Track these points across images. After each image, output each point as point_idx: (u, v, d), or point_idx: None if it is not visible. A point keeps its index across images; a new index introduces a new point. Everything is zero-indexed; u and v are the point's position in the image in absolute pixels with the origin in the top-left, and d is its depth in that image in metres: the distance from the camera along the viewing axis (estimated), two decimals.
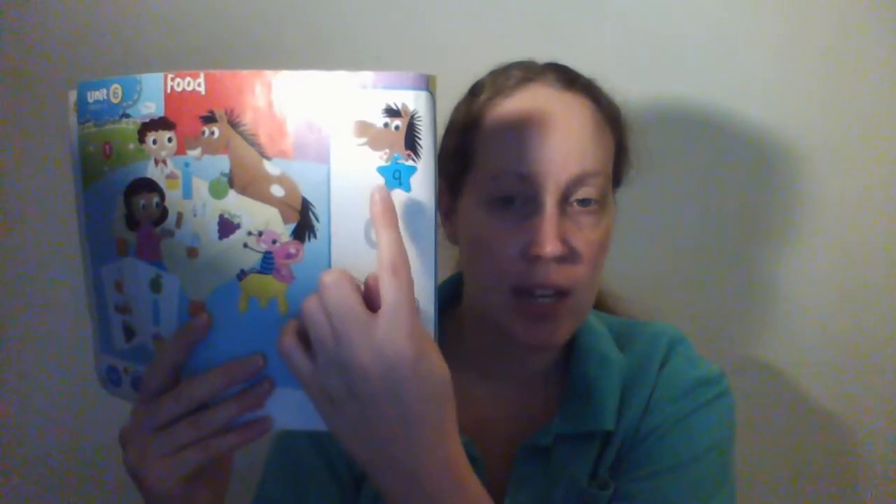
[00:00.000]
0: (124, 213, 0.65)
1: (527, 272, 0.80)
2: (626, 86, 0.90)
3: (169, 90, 0.62)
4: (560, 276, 0.79)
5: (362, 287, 0.60)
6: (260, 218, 0.61)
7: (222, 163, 0.61)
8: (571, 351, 0.91)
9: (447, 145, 0.89)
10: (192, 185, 0.62)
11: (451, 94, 0.89)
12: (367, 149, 0.59)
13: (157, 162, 0.63)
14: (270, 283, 0.62)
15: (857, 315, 1.24)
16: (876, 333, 1.25)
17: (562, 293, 0.80)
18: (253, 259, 0.62)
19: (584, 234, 0.80)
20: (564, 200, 0.80)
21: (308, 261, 0.61)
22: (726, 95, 1.19)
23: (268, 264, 0.62)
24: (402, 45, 1.17)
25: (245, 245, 0.62)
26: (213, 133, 0.61)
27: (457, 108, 0.90)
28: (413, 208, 0.60)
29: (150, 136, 0.63)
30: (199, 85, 0.61)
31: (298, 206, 0.61)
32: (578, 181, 0.79)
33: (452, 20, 1.17)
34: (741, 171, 1.21)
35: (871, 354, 1.25)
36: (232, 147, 0.61)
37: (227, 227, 0.62)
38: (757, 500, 1.27)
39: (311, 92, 0.60)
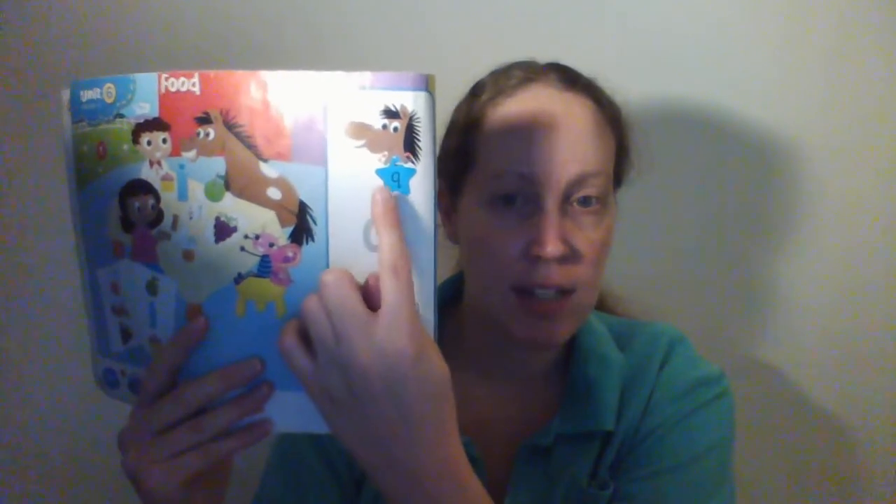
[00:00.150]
0: (119, 215, 0.65)
1: (528, 272, 0.80)
2: (627, 86, 0.90)
3: (163, 90, 0.61)
4: (561, 275, 0.79)
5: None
6: (257, 221, 0.61)
7: (218, 165, 0.61)
8: (571, 351, 0.91)
9: (448, 145, 0.89)
10: (188, 188, 0.62)
11: (451, 95, 0.89)
12: (365, 151, 0.59)
13: (151, 163, 0.63)
14: (268, 286, 0.62)
15: (857, 315, 1.24)
16: (876, 333, 1.25)
17: (563, 292, 0.80)
18: (250, 262, 0.62)
19: (586, 234, 0.81)
20: (565, 200, 0.80)
21: (306, 264, 0.61)
22: (726, 95, 1.19)
23: (265, 268, 0.62)
24: (402, 45, 1.17)
25: (242, 248, 0.62)
26: (208, 134, 0.61)
27: (458, 109, 0.90)
28: (412, 210, 0.60)
29: (145, 137, 0.62)
30: (193, 85, 0.61)
31: (296, 209, 0.60)
32: (579, 181, 0.79)
33: (452, 20, 1.17)
34: (741, 171, 1.21)
35: (871, 354, 1.25)
36: (228, 149, 0.61)
37: (223, 229, 0.62)
38: (757, 500, 1.27)
39: (307, 93, 0.59)
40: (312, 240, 0.61)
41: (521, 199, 0.80)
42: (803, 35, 1.17)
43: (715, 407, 0.87)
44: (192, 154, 0.61)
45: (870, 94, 1.18)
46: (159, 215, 0.63)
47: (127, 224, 0.65)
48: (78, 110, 0.66)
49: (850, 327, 1.25)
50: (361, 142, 0.59)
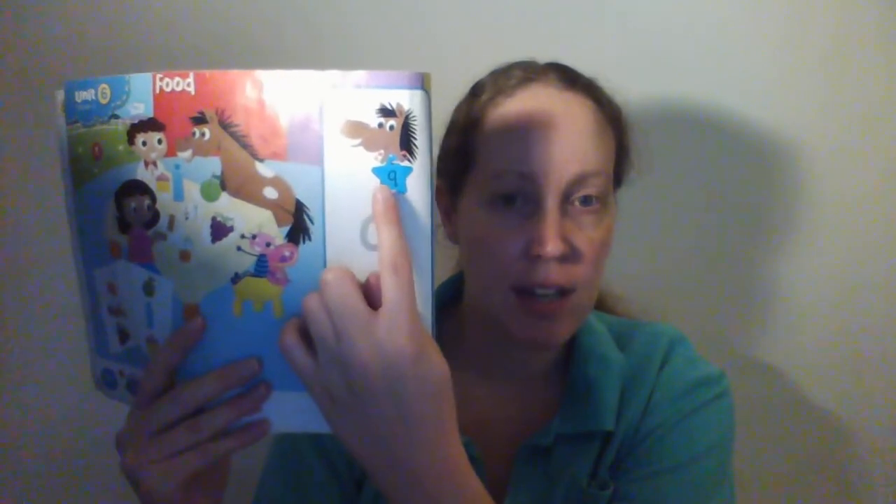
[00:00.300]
0: (116, 216, 0.65)
1: (528, 271, 0.80)
2: (627, 86, 0.90)
3: (158, 90, 0.61)
4: (561, 275, 0.79)
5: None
6: (253, 221, 0.61)
7: (214, 165, 0.61)
8: (571, 351, 0.91)
9: (448, 145, 0.89)
10: (184, 188, 0.62)
11: (451, 94, 0.89)
12: (361, 150, 0.59)
13: (147, 164, 0.63)
14: (265, 286, 0.62)
15: (856, 315, 1.24)
16: (876, 333, 1.25)
17: (563, 292, 0.80)
18: (247, 262, 0.62)
19: (586, 234, 0.80)
20: (565, 200, 0.80)
21: (303, 264, 0.61)
22: (726, 95, 1.18)
23: (262, 267, 0.62)
24: (402, 45, 1.17)
25: (238, 248, 0.62)
26: (203, 134, 0.61)
27: (458, 108, 0.90)
28: (409, 209, 0.60)
29: (140, 138, 0.62)
30: (188, 85, 0.61)
31: (292, 209, 0.60)
32: (579, 181, 0.79)
33: (452, 20, 1.17)
34: (741, 171, 1.21)
35: (871, 354, 1.25)
36: (223, 148, 0.60)
37: (219, 229, 0.62)
38: (757, 500, 1.27)
39: (303, 92, 0.59)
40: (309, 239, 0.61)
41: (522, 198, 0.80)
42: (803, 35, 1.17)
43: (715, 407, 0.87)
44: (187, 154, 0.61)
45: (870, 94, 1.18)
46: (155, 216, 0.63)
47: (123, 225, 0.65)
48: (72, 111, 0.66)
49: (850, 327, 1.24)
50: (357, 140, 0.59)
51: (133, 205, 0.64)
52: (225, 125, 0.60)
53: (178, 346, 0.64)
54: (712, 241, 1.23)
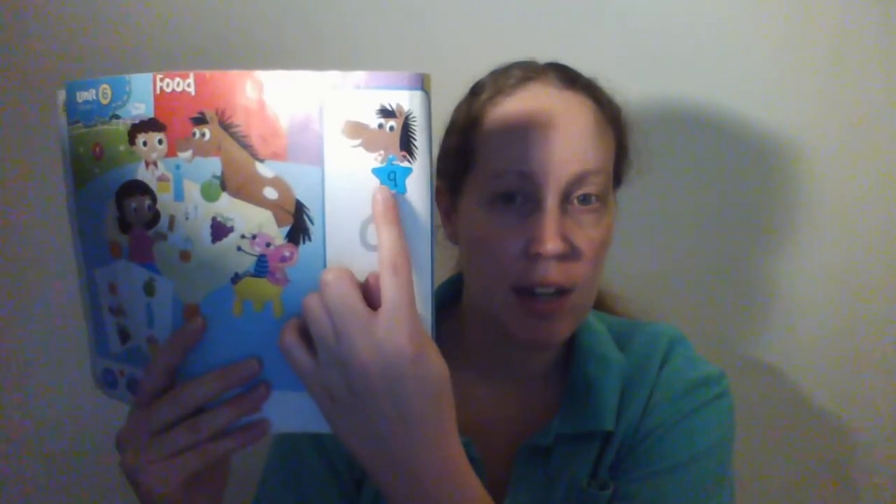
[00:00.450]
0: (116, 216, 0.65)
1: (527, 270, 0.80)
2: (627, 86, 0.90)
3: (158, 91, 0.61)
4: (561, 274, 0.79)
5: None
6: (253, 221, 0.61)
7: (214, 165, 0.61)
8: (571, 351, 0.91)
9: (448, 145, 0.89)
10: (184, 188, 0.62)
11: (451, 94, 0.89)
12: (361, 150, 0.59)
13: (147, 164, 0.63)
14: (265, 286, 0.62)
15: (856, 315, 1.24)
16: (876, 333, 1.25)
17: (562, 291, 0.80)
18: (247, 262, 0.62)
19: (585, 232, 0.81)
20: (565, 199, 0.80)
21: (303, 264, 0.61)
22: (726, 95, 1.19)
23: (262, 268, 0.62)
24: (401, 45, 1.17)
25: (238, 248, 0.62)
26: (203, 135, 0.61)
27: (458, 108, 0.90)
28: (409, 209, 0.60)
29: (141, 138, 0.62)
30: (188, 85, 0.61)
31: (292, 209, 0.60)
32: (579, 180, 0.79)
33: (452, 20, 1.17)
34: (741, 171, 1.21)
35: (871, 354, 1.25)
36: (224, 149, 0.60)
37: (219, 230, 0.62)
38: (757, 500, 1.27)
39: (303, 92, 0.59)
40: (309, 239, 0.61)
41: (521, 197, 0.80)
42: (803, 35, 1.17)
43: (715, 407, 0.87)
44: (187, 154, 0.61)
45: (870, 94, 1.18)
46: (156, 216, 0.63)
47: (124, 225, 0.65)
48: (74, 111, 0.66)
49: (850, 327, 1.25)
50: (357, 141, 0.59)
51: (134, 205, 0.64)
52: (225, 125, 0.60)
53: (178, 346, 0.64)
54: (712, 241, 1.23)
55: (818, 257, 1.22)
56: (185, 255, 0.63)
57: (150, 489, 0.63)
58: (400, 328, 0.58)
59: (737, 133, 1.19)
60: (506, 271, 0.80)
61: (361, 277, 0.60)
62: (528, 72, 0.85)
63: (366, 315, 0.58)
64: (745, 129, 1.19)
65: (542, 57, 0.89)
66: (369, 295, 0.60)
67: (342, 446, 0.63)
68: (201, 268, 0.63)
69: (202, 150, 0.61)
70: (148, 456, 0.63)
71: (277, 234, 0.61)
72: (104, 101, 0.64)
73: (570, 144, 0.80)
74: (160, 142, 0.62)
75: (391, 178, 0.59)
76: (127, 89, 0.62)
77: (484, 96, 0.86)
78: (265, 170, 0.60)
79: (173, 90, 0.61)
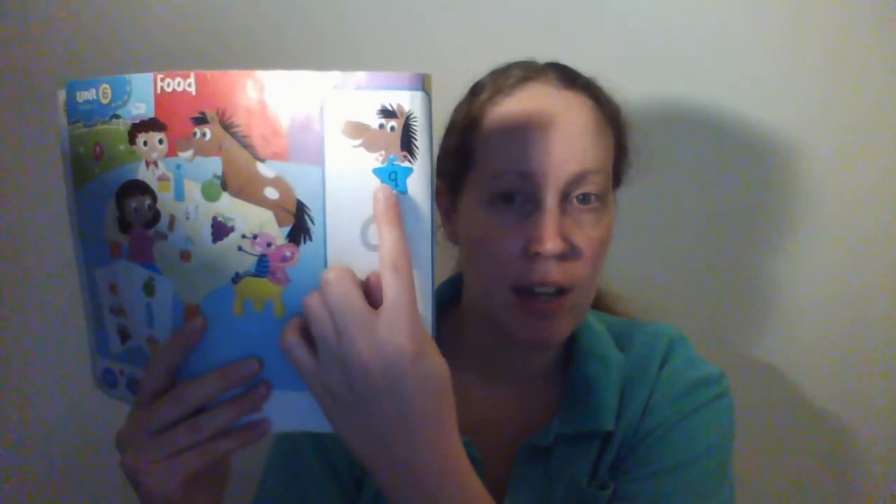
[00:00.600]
0: (116, 216, 0.65)
1: (527, 270, 0.80)
2: (627, 86, 0.90)
3: (159, 91, 0.61)
4: (560, 273, 0.79)
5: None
6: (254, 221, 0.61)
7: (215, 165, 0.61)
8: (571, 351, 0.91)
9: (448, 145, 0.89)
10: (184, 188, 0.62)
11: (451, 94, 0.89)
12: (362, 150, 0.59)
13: (148, 164, 0.63)
14: (266, 286, 0.62)
15: (856, 315, 1.24)
16: (876, 333, 1.25)
17: (562, 290, 0.80)
18: (247, 262, 0.62)
19: (585, 232, 0.81)
20: (565, 198, 0.80)
21: (304, 264, 0.61)
22: (726, 95, 1.18)
23: (263, 267, 0.62)
24: (401, 45, 1.17)
25: (239, 248, 0.62)
26: (204, 134, 0.61)
27: (457, 108, 0.90)
28: (409, 209, 0.60)
29: (141, 138, 0.62)
30: (189, 85, 0.61)
31: (293, 209, 0.61)
32: (579, 179, 0.79)
33: (452, 20, 1.17)
34: (741, 171, 1.21)
35: (871, 354, 1.25)
36: (224, 149, 0.61)
37: (220, 229, 0.62)
38: (757, 500, 1.27)
39: (304, 92, 0.59)
40: (310, 239, 0.61)
41: (521, 197, 0.80)
42: (803, 35, 1.17)
43: (715, 407, 0.87)
44: (188, 154, 0.61)
45: (870, 94, 1.18)
46: (156, 216, 0.63)
47: (124, 224, 0.65)
48: (74, 111, 0.66)
49: (850, 327, 1.24)
50: (358, 141, 0.59)
51: (134, 205, 0.64)
52: (226, 125, 0.60)
53: (178, 346, 0.64)
54: (712, 241, 1.23)
55: (818, 257, 1.22)
56: (185, 255, 0.63)
57: (150, 489, 0.63)
58: (401, 327, 0.58)
59: (737, 133, 1.19)
60: (505, 271, 0.81)
61: (362, 277, 0.60)
62: (528, 72, 0.85)
63: (367, 314, 0.58)
64: (745, 129, 1.19)
65: (542, 57, 0.89)
66: (370, 294, 0.60)
67: (342, 446, 0.63)
68: (202, 268, 0.63)
69: (203, 150, 0.61)
70: (148, 456, 0.63)
71: (278, 234, 0.61)
72: (104, 101, 0.64)
73: (570, 144, 0.80)
74: (161, 141, 0.62)
75: (392, 178, 0.60)
76: (127, 89, 0.62)
77: (483, 96, 0.86)
78: (266, 170, 0.60)
79: (174, 90, 0.61)
